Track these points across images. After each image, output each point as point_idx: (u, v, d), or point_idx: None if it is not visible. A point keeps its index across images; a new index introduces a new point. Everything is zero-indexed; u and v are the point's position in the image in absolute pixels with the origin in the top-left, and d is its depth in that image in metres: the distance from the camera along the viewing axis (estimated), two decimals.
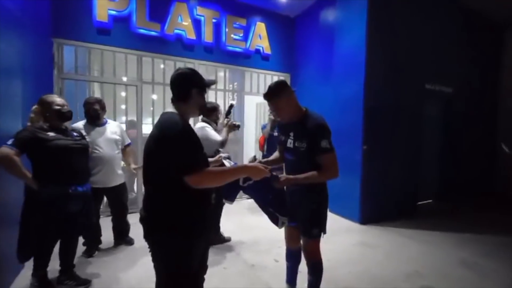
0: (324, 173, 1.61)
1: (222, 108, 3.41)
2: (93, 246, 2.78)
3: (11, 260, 2.23)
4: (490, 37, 5.56)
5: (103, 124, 2.74)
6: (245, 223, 3.74)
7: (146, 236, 1.27)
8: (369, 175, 3.84)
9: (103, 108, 2.72)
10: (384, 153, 3.98)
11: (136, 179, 4.39)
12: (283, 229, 1.88)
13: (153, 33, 4.12)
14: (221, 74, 5.06)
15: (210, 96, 4.10)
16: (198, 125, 2.84)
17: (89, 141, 2.40)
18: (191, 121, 3.98)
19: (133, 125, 4.42)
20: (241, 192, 1.65)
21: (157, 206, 1.26)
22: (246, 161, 4.95)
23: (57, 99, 2.05)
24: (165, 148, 1.18)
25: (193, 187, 1.18)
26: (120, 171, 2.81)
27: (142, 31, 4.05)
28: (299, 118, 1.69)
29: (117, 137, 2.79)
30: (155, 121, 1.46)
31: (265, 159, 1.90)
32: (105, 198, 2.97)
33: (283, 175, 1.64)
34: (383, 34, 3.90)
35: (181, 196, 1.22)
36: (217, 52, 4.67)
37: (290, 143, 1.73)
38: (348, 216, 4.01)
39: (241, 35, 4.84)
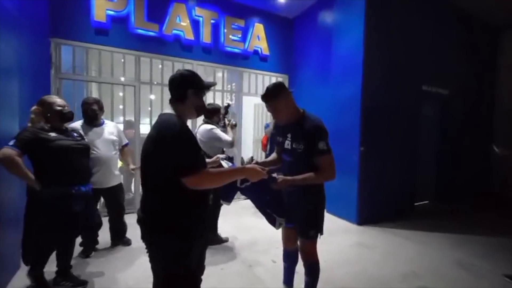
0: (321, 174, 1.62)
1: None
2: (90, 246, 2.77)
3: (8, 260, 2.24)
4: (486, 39, 5.61)
5: (101, 124, 2.74)
6: (242, 223, 3.74)
7: (144, 237, 1.28)
8: (366, 176, 3.86)
9: (101, 108, 2.73)
10: (381, 154, 4.00)
11: (133, 179, 4.38)
12: (280, 230, 1.89)
13: (151, 33, 4.12)
14: (219, 74, 5.08)
15: (208, 97, 4.10)
16: (204, 127, 2.83)
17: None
18: (192, 123, 3.95)
19: (131, 125, 4.41)
20: (238, 192, 1.66)
21: (155, 207, 1.26)
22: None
23: (58, 100, 2.05)
24: (163, 149, 1.19)
25: (191, 188, 1.18)
26: (117, 172, 2.81)
27: (140, 31, 4.05)
28: (297, 120, 1.70)
29: (115, 138, 2.79)
30: (153, 122, 1.46)
31: (263, 161, 1.90)
32: (101, 199, 2.96)
33: (281, 176, 1.64)
34: (381, 36, 3.93)
35: (179, 197, 1.22)
36: (215, 53, 4.68)
37: (287, 144, 1.73)
38: (345, 216, 4.02)
39: (240, 36, 4.86)
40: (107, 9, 3.79)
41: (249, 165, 1.44)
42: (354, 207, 3.87)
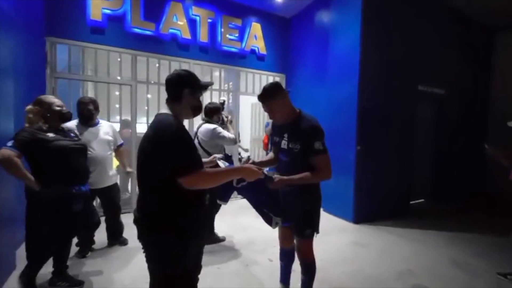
0: (318, 174, 1.63)
1: None
2: (87, 246, 2.76)
3: (3, 260, 2.22)
4: (481, 40, 5.66)
5: (96, 124, 2.72)
6: (239, 223, 3.75)
7: (141, 237, 1.28)
8: (362, 175, 3.88)
9: (97, 108, 2.70)
10: (377, 154, 4.03)
11: (130, 179, 4.36)
12: (277, 229, 1.90)
13: (148, 32, 4.10)
14: (216, 74, 5.07)
15: (206, 96, 4.09)
16: (207, 126, 2.81)
17: None
18: (189, 123, 3.94)
19: (127, 125, 4.39)
20: (235, 192, 1.67)
21: (151, 208, 1.26)
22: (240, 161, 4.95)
23: (56, 100, 2.04)
24: (160, 149, 1.19)
25: (188, 188, 1.19)
26: (112, 172, 2.79)
27: (136, 30, 4.03)
28: (293, 120, 1.71)
29: (110, 138, 2.77)
30: (150, 121, 1.46)
31: (259, 160, 1.91)
32: (97, 199, 2.95)
33: (277, 176, 1.65)
34: (377, 36, 3.95)
35: (175, 197, 1.22)
36: (212, 52, 4.67)
37: (284, 144, 1.74)
38: (341, 215, 4.05)
39: (237, 35, 4.85)
40: (103, 8, 3.76)
41: (245, 165, 1.45)
42: (351, 206, 3.90)
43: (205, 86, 1.43)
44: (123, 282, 2.31)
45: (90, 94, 4.95)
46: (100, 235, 2.88)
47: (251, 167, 1.39)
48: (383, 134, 4.07)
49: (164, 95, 1.39)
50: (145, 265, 1.29)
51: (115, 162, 2.97)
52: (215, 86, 4.87)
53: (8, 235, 2.31)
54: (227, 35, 4.75)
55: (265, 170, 1.65)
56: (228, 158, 2.93)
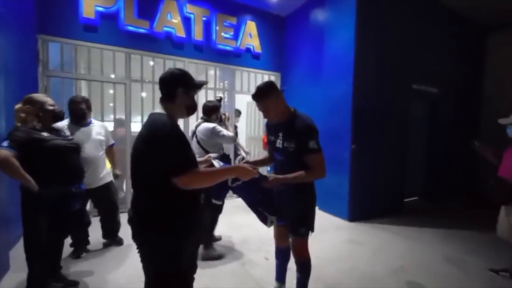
0: (312, 172, 1.63)
1: None
2: (82, 246, 2.74)
3: None
4: (475, 39, 5.71)
5: (88, 124, 2.68)
6: (235, 222, 3.75)
7: (135, 237, 1.27)
8: (357, 173, 3.91)
9: (89, 107, 2.66)
10: (372, 152, 4.06)
11: (125, 179, 4.33)
12: (272, 227, 1.90)
13: (142, 30, 4.06)
14: (211, 72, 5.05)
15: (200, 95, 4.07)
16: (206, 125, 2.79)
17: None
18: (184, 122, 3.89)
19: (121, 124, 4.36)
20: (230, 191, 1.67)
21: (145, 207, 1.26)
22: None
23: (48, 99, 2.01)
24: (154, 149, 1.18)
25: (182, 188, 1.18)
26: (105, 172, 2.76)
27: (130, 28, 3.98)
28: (288, 119, 1.71)
29: (102, 138, 2.74)
30: (144, 120, 1.45)
31: (254, 160, 1.91)
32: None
33: (272, 175, 1.66)
34: (372, 35, 3.96)
35: (170, 197, 1.22)
36: (207, 50, 4.65)
37: (279, 143, 1.75)
38: (337, 213, 4.07)
39: (232, 33, 4.83)
40: (96, 6, 3.72)
41: (240, 164, 1.45)
42: (346, 204, 3.92)
43: (199, 85, 1.42)
44: (118, 281, 2.30)
45: (84, 92, 4.90)
46: (95, 235, 2.86)
47: (246, 167, 1.39)
48: (378, 132, 4.10)
49: (158, 94, 1.38)
50: (140, 264, 1.29)
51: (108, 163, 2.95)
52: (211, 84, 4.85)
53: (2, 235, 2.28)
54: (222, 34, 4.72)
55: (266, 170, 1.66)
56: (226, 158, 2.91)
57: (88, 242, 2.82)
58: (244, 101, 6.17)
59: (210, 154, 1.80)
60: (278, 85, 5.24)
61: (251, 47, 5.07)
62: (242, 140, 6.59)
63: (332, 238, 3.30)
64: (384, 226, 3.77)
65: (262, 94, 1.68)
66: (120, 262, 2.61)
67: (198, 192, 1.34)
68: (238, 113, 5.21)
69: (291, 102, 1.77)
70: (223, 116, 3.04)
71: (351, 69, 3.83)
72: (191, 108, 1.39)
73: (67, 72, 3.80)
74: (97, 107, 3.66)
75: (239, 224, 3.68)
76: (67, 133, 2.32)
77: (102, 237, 2.92)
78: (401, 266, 2.67)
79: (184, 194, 1.21)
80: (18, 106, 1.91)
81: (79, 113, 2.57)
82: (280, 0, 4.84)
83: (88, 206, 3.15)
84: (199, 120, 2.96)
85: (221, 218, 3.69)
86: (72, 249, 2.68)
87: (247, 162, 1.71)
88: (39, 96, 2.03)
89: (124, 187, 4.39)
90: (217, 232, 3.21)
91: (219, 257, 2.75)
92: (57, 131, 2.06)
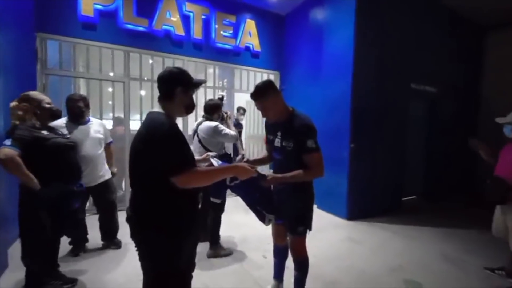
0: (310, 172, 1.64)
1: None
2: (81, 245, 2.74)
3: None
4: (473, 38, 5.72)
5: (86, 122, 2.66)
6: (233, 220, 3.75)
7: (133, 235, 1.28)
8: (356, 172, 3.91)
9: (87, 105, 2.64)
10: (370, 152, 4.07)
11: (124, 178, 4.33)
12: (270, 226, 1.91)
13: (140, 28, 4.05)
14: (210, 71, 5.04)
15: (200, 94, 4.07)
16: (208, 124, 2.77)
17: None
18: (183, 121, 3.87)
19: (120, 122, 4.35)
20: (229, 190, 1.67)
21: (144, 206, 1.26)
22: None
23: (45, 97, 2.01)
24: (152, 148, 1.18)
25: (180, 187, 1.18)
26: (103, 170, 2.75)
27: (129, 26, 3.97)
28: (286, 118, 1.71)
29: (101, 136, 2.73)
30: (143, 118, 1.45)
31: (253, 159, 1.91)
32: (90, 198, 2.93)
33: (271, 174, 1.66)
34: (371, 34, 3.96)
35: (168, 195, 1.22)
36: (206, 49, 4.64)
37: (277, 142, 1.75)
38: (335, 212, 4.08)
39: (231, 32, 4.82)
40: (95, 3, 3.70)
41: (238, 163, 1.45)
42: (344, 203, 3.93)
43: (198, 84, 1.42)
44: (117, 280, 2.30)
45: (82, 91, 4.88)
46: (94, 234, 2.86)
47: (244, 166, 1.39)
48: (377, 132, 4.11)
49: (157, 92, 1.38)
50: (139, 263, 1.29)
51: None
52: (210, 83, 4.84)
53: (0, 234, 2.28)
54: (221, 32, 4.71)
55: (267, 169, 1.66)
56: (227, 156, 2.90)
57: (87, 240, 2.82)
58: (243, 100, 6.17)
59: (209, 153, 1.80)
60: (277, 84, 5.23)
61: (251, 46, 5.06)
62: (242, 139, 6.59)
63: (330, 236, 3.31)
64: (382, 225, 3.78)
65: (261, 93, 1.68)
66: (118, 260, 2.61)
67: (196, 191, 1.34)
68: (243, 111, 5.20)
69: (290, 101, 1.77)
70: (225, 115, 3.03)
71: (350, 68, 3.83)
72: (190, 107, 1.39)
73: (65, 70, 3.79)
74: (95, 105, 3.65)
75: (238, 223, 3.68)
76: (65, 131, 2.31)
77: (101, 240, 2.88)
78: (399, 264, 2.69)
79: (182, 193, 1.21)
80: (14, 103, 1.90)
81: (77, 111, 2.55)
82: None
83: (88, 204, 3.14)
84: (201, 119, 2.94)
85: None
86: (71, 247, 2.68)
87: (247, 161, 1.71)
88: (36, 94, 2.02)
89: (123, 185, 4.39)
90: None
91: (228, 254, 2.79)
92: (54, 130, 2.06)
